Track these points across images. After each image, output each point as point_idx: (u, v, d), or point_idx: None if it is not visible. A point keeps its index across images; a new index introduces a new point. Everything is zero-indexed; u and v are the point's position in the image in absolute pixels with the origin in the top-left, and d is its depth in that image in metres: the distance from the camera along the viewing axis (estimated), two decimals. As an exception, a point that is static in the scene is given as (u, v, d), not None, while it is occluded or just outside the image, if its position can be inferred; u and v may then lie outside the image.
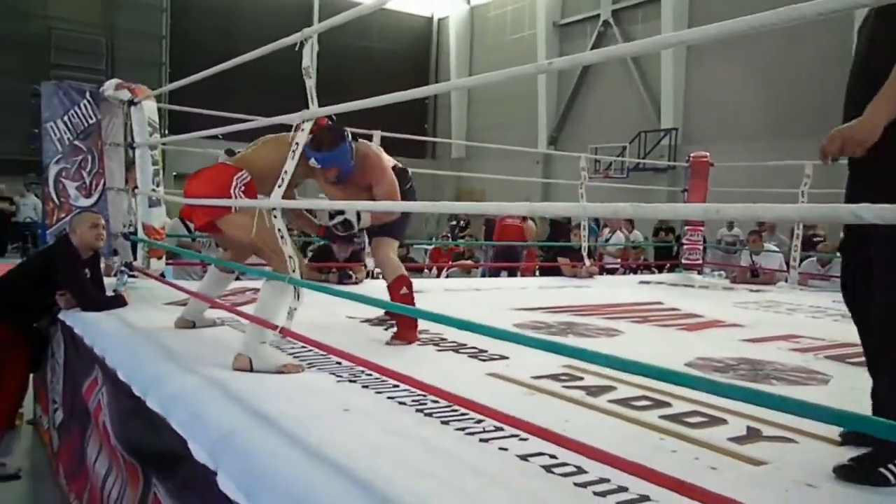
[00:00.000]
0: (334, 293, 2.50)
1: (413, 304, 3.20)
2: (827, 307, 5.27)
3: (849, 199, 1.79)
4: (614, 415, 2.16)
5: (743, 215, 1.20)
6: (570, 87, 20.29)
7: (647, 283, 7.11)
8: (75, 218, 4.00)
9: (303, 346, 2.75)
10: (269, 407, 2.03)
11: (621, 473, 1.34)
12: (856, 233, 1.87)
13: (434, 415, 2.05)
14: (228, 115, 4.83)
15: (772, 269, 7.24)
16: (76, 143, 4.50)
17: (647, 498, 1.48)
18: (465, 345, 3.12)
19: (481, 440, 1.84)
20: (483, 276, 8.42)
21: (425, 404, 2.14)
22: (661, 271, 8.94)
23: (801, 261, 6.98)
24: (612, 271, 9.30)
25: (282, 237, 2.60)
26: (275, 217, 2.61)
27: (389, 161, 3.42)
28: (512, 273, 8.21)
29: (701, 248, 7.74)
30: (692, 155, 7.78)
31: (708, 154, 7.67)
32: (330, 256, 5.56)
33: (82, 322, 3.40)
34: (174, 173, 13.19)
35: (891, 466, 1.65)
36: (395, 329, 3.25)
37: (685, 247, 7.65)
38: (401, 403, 2.17)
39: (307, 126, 2.65)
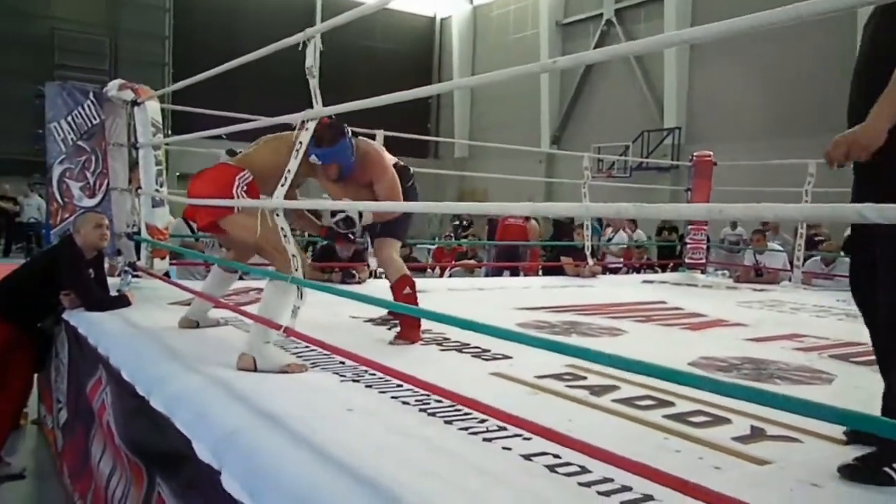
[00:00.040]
0: (338, 293, 2.50)
1: (416, 304, 3.21)
2: (831, 306, 5.26)
3: (854, 202, 1.78)
4: (618, 414, 2.15)
5: (746, 215, 1.20)
6: (572, 87, 20.28)
7: (651, 282, 7.10)
8: (79, 218, 4.00)
9: (306, 346, 2.76)
10: (272, 406, 2.03)
11: (625, 473, 1.34)
12: (860, 233, 1.86)
13: (437, 414, 2.05)
14: (231, 114, 4.83)
15: (775, 268, 7.23)
16: (80, 143, 4.51)
17: (650, 497, 1.47)
18: (468, 344, 3.12)
19: (485, 440, 1.84)
20: (486, 275, 8.42)
21: (429, 404, 2.14)
22: (664, 271, 8.93)
23: (805, 260, 6.97)
24: (615, 271, 9.29)
25: (285, 236, 2.60)
26: (277, 216, 2.62)
27: (391, 159, 3.42)
28: (514, 272, 8.20)
29: (704, 247, 7.74)
30: (695, 154, 7.77)
31: (711, 153, 7.66)
32: (333, 256, 5.56)
33: (86, 322, 3.41)
34: (177, 173, 13.22)
35: (895, 466, 1.64)
36: (398, 329, 3.25)
37: (688, 246, 7.65)
38: (404, 403, 2.17)
39: (311, 126, 2.65)
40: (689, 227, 7.70)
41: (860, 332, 3.95)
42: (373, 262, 5.36)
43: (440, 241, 13.21)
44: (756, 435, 1.99)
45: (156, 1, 20.98)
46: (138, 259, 4.61)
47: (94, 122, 4.53)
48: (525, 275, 8.10)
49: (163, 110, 4.93)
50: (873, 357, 3.11)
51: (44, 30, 19.47)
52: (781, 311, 4.95)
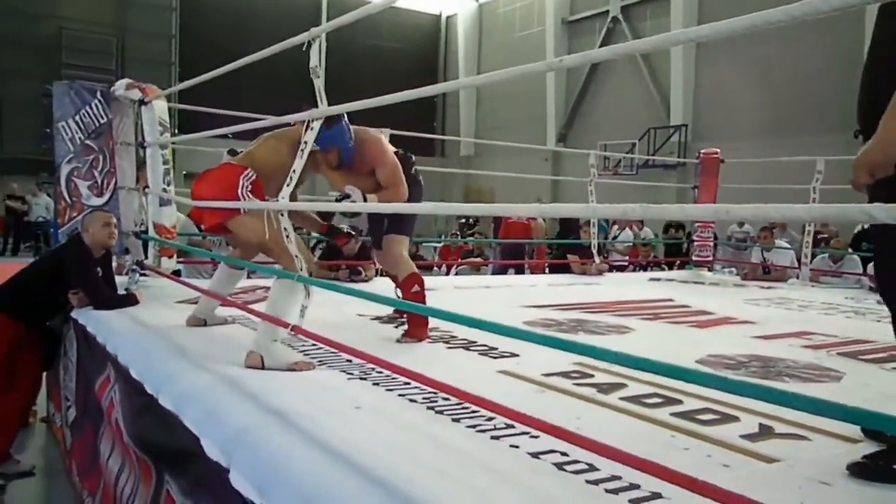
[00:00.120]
0: (345, 291, 2.50)
1: (424, 302, 3.21)
2: (839, 304, 5.24)
3: (871, 202, 1.76)
4: (626, 412, 2.15)
5: (754, 216, 1.19)
6: (578, 84, 20.24)
7: (658, 280, 7.08)
8: (87, 217, 4.02)
9: (313, 344, 2.76)
10: (280, 404, 2.04)
11: (633, 471, 1.33)
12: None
13: (445, 412, 2.05)
14: (237, 114, 4.85)
15: (783, 265, 7.20)
16: (88, 142, 4.53)
17: (659, 495, 1.47)
18: (475, 342, 3.12)
19: (492, 437, 1.84)
20: (493, 273, 8.42)
21: (436, 402, 2.14)
22: (671, 268, 8.90)
23: (813, 257, 6.94)
24: (621, 268, 9.27)
25: (287, 237, 2.61)
26: (281, 216, 2.62)
27: (391, 149, 3.41)
28: (520, 270, 8.19)
29: (711, 244, 7.71)
30: (702, 151, 7.74)
31: (718, 150, 7.63)
32: (340, 254, 5.57)
33: (95, 320, 3.42)
34: (184, 172, 13.26)
35: (905, 463, 1.64)
36: (405, 327, 3.25)
37: (696, 244, 7.63)
38: (412, 401, 2.17)
39: (316, 125, 2.65)
40: (697, 224, 7.68)
41: (868, 330, 3.96)
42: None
43: (447, 239, 13.21)
44: (764, 433, 1.98)
45: (163, 0, 21.04)
46: (146, 258, 4.64)
47: (102, 121, 4.55)
48: (531, 273, 8.10)
49: (169, 109, 4.95)
50: (882, 355, 3.10)
51: (51, 29, 19.55)
52: (789, 309, 4.93)
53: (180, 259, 5.28)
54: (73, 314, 3.69)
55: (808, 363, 3.01)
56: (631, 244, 10.88)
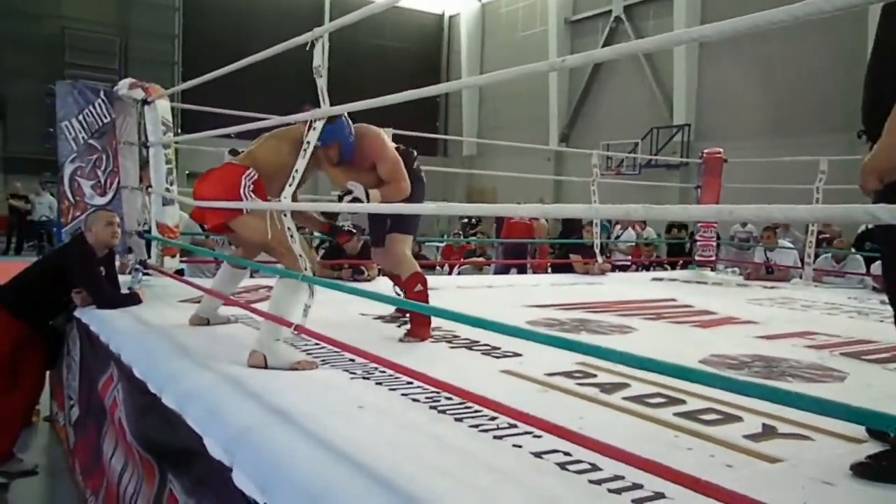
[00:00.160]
0: (347, 290, 2.50)
1: (427, 302, 3.21)
2: (842, 304, 5.23)
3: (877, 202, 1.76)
4: (629, 412, 2.15)
5: (757, 216, 1.19)
6: (581, 84, 20.24)
7: (660, 279, 7.08)
8: (90, 216, 4.03)
9: (316, 343, 2.77)
10: (283, 403, 2.04)
11: (636, 471, 1.33)
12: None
13: (447, 412, 2.05)
14: (240, 113, 4.85)
15: (786, 265, 7.19)
16: (91, 141, 4.54)
17: (662, 495, 1.47)
18: (477, 342, 3.12)
19: (495, 437, 1.84)
20: (495, 273, 8.42)
21: (439, 401, 2.14)
22: (674, 268, 8.90)
23: (816, 257, 6.93)
24: (623, 268, 9.27)
25: (291, 236, 2.61)
26: (284, 216, 2.62)
27: (391, 144, 3.39)
28: (522, 270, 8.19)
29: (714, 244, 7.70)
30: (706, 151, 7.73)
31: (722, 150, 7.62)
32: (342, 253, 5.57)
33: (98, 319, 3.43)
34: (186, 172, 13.29)
35: (909, 464, 1.63)
36: (408, 326, 3.25)
37: (698, 243, 7.62)
38: (414, 400, 2.17)
39: (319, 125, 2.65)
40: (699, 224, 7.67)
41: (872, 330, 3.95)
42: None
43: (449, 238, 13.22)
44: (767, 433, 1.98)
45: (166, 0, 21.07)
46: (149, 257, 4.64)
47: (105, 120, 4.56)
48: (534, 272, 8.10)
49: (172, 109, 4.95)
50: (885, 355, 3.10)
51: (54, 29, 19.60)
52: (792, 309, 4.93)
53: (184, 258, 5.29)
54: (77, 313, 3.70)
55: (812, 363, 3.01)
56: (633, 244, 10.87)
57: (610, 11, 19.38)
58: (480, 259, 9.35)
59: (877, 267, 6.33)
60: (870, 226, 6.96)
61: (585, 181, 6.74)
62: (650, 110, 17.97)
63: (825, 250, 7.29)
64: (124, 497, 2.72)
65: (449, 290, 5.07)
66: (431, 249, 11.92)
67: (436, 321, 3.24)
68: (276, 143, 3.06)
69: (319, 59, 2.50)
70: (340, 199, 3.11)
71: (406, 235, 3.45)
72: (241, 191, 2.83)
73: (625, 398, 2.29)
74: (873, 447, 1.78)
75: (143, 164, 4.75)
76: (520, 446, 1.77)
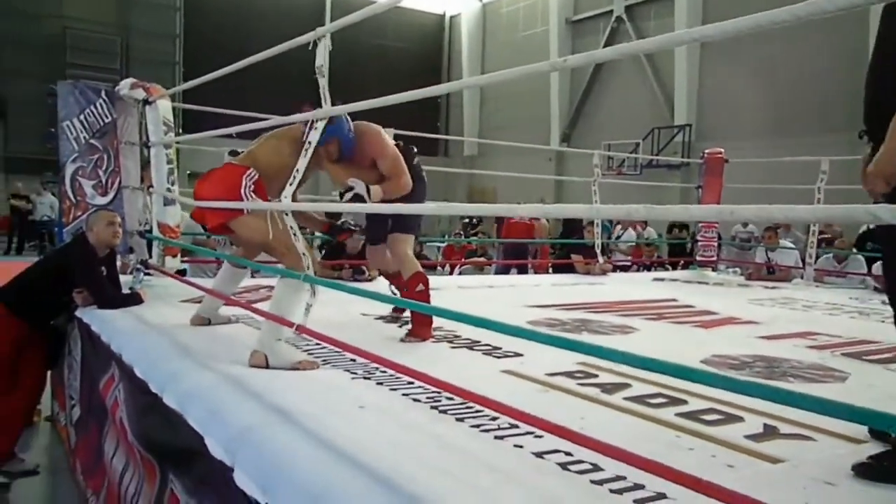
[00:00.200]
0: (348, 290, 2.51)
1: (429, 302, 3.20)
2: (843, 304, 5.23)
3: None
4: (630, 412, 2.15)
5: (758, 216, 1.19)
6: (582, 84, 20.23)
7: (661, 280, 7.07)
8: (92, 216, 4.03)
9: (317, 343, 2.77)
10: (285, 403, 2.04)
11: (638, 471, 1.33)
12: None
13: (449, 412, 2.05)
14: (242, 113, 4.85)
15: (787, 265, 7.18)
16: (92, 141, 4.54)
17: (663, 496, 1.47)
18: (478, 342, 3.12)
19: (496, 437, 1.84)
20: (496, 273, 8.43)
21: (440, 401, 2.14)
22: (675, 268, 8.90)
23: (817, 257, 6.93)
24: (625, 268, 9.26)
25: (294, 234, 2.61)
26: (286, 215, 2.62)
27: (391, 140, 3.39)
28: (522, 270, 8.19)
29: (715, 244, 7.70)
30: (707, 151, 7.73)
31: (723, 150, 7.62)
32: (343, 253, 5.57)
33: (99, 319, 3.43)
34: (188, 172, 13.30)
35: (910, 464, 1.63)
36: (409, 326, 3.25)
37: (700, 244, 7.61)
38: (415, 400, 2.17)
39: (320, 125, 2.65)
40: (700, 224, 7.67)
41: (873, 330, 3.94)
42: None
43: (450, 238, 13.22)
44: (769, 433, 1.98)
45: (167, 0, 21.08)
46: (150, 257, 4.64)
47: (107, 120, 4.56)
48: (535, 272, 8.10)
49: (174, 109, 4.95)
50: (887, 355, 3.09)
51: (56, 29, 19.61)
52: (794, 309, 4.92)
53: (186, 258, 5.29)
54: (78, 313, 3.70)
55: (813, 363, 3.01)
56: (634, 244, 10.87)
57: (611, 11, 19.37)
58: (481, 259, 9.35)
59: (878, 267, 6.33)
60: (871, 226, 6.96)
61: (587, 181, 6.74)
62: (651, 110, 17.96)
63: (826, 250, 7.29)
64: (125, 497, 2.72)
65: (450, 290, 5.07)
66: (432, 249, 11.93)
67: (437, 321, 3.24)
68: (277, 142, 3.06)
69: (322, 58, 2.50)
70: (341, 196, 3.10)
71: (408, 235, 3.44)
72: (242, 191, 2.83)
73: (626, 398, 2.29)
74: (875, 447, 1.78)
75: (145, 164, 4.75)
76: (521, 446, 1.77)
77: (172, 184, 4.66)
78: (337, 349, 2.48)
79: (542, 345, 1.54)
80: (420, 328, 3.17)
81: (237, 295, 3.67)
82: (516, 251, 8.61)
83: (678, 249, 10.34)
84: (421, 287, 3.26)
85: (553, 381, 2.47)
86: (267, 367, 2.50)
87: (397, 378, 2.36)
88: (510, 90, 21.08)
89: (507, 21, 23.48)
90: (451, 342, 3.16)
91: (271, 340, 2.56)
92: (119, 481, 2.83)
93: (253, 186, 2.87)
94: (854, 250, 7.16)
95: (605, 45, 16.64)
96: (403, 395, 2.23)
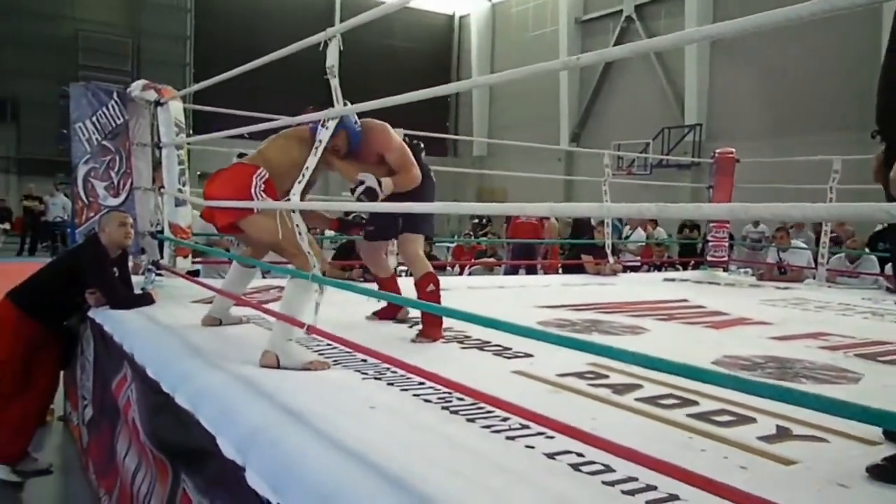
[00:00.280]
0: (359, 291, 2.51)
1: (439, 302, 3.20)
2: (856, 304, 5.19)
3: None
4: (641, 413, 2.14)
5: (773, 215, 1.18)
6: (592, 84, 20.19)
7: (672, 280, 7.04)
8: (104, 217, 4.06)
9: (328, 344, 2.77)
10: (296, 403, 2.04)
11: (650, 472, 1.33)
12: None
13: (460, 412, 2.05)
14: (252, 114, 4.87)
15: (799, 265, 7.14)
16: (104, 143, 4.57)
17: (676, 497, 1.46)
18: (489, 342, 3.11)
19: (507, 438, 1.84)
20: (505, 273, 8.41)
21: (451, 402, 2.14)
22: (685, 269, 8.86)
23: (830, 257, 6.88)
24: (635, 269, 9.23)
25: (300, 234, 2.61)
26: (294, 213, 2.63)
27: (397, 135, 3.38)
28: (532, 270, 8.18)
29: (727, 245, 7.66)
30: (718, 151, 7.69)
31: (734, 150, 7.58)
32: (353, 254, 5.57)
33: (111, 320, 3.45)
34: (198, 172, 13.36)
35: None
36: (419, 326, 3.25)
37: (710, 244, 7.57)
38: (426, 401, 2.17)
39: (331, 125, 2.66)
40: (711, 224, 7.63)
41: (887, 331, 3.91)
42: (392, 259, 5.35)
43: (460, 239, 13.22)
44: (782, 434, 1.96)
45: (177, 2, 21.23)
46: (162, 258, 4.67)
47: (119, 122, 4.59)
48: (545, 273, 8.08)
49: (185, 110, 4.98)
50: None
51: (68, 31, 19.77)
52: (806, 310, 4.89)
53: (198, 259, 5.31)
54: (90, 313, 3.72)
55: (825, 364, 2.98)
56: (643, 244, 10.83)
57: (621, 11, 19.34)
58: (491, 259, 9.34)
59: (891, 268, 6.29)
60: (884, 225, 6.91)
61: (596, 181, 6.72)
62: (661, 110, 17.91)
63: (838, 250, 7.24)
64: (138, 496, 2.74)
65: (460, 291, 5.07)
66: (442, 250, 11.93)
67: (447, 321, 3.24)
68: (286, 142, 3.07)
69: (332, 59, 2.50)
70: (352, 191, 3.09)
71: (418, 235, 3.44)
72: (253, 190, 2.84)
73: (637, 399, 2.28)
74: (889, 449, 1.77)
75: (156, 165, 4.77)
76: (532, 447, 1.77)
77: (183, 184, 4.68)
78: (348, 349, 2.48)
79: (552, 345, 1.54)
80: (430, 329, 3.17)
81: (248, 295, 3.68)
82: (523, 251, 8.59)
83: (689, 249, 10.30)
84: (432, 287, 3.26)
85: (564, 382, 2.47)
86: (278, 367, 2.51)
87: (408, 378, 2.36)
88: (519, 90, 21.08)
89: (516, 21, 23.47)
90: (461, 343, 3.16)
91: (282, 341, 2.56)
92: (131, 481, 2.85)
93: (263, 186, 2.88)
94: (866, 250, 7.10)
95: (614, 45, 16.58)
96: (414, 395, 2.23)
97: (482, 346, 3.08)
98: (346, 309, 3.46)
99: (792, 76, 14.65)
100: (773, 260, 7.37)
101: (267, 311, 2.82)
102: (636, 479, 1.55)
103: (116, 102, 4.57)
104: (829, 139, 11.19)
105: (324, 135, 2.65)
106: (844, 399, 1.03)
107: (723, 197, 7.24)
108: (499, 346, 3.04)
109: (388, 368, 2.47)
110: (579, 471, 1.62)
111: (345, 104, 2.56)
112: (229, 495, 1.89)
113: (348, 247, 5.65)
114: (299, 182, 2.66)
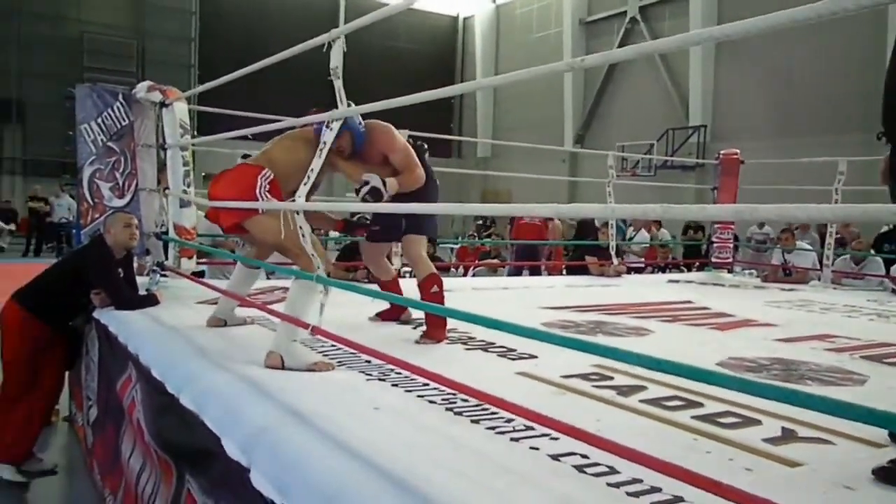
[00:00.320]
0: (363, 292, 2.51)
1: (443, 303, 3.20)
2: (862, 306, 5.17)
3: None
4: (646, 415, 2.14)
5: (779, 216, 1.17)
6: (596, 85, 20.18)
7: (676, 281, 7.03)
8: (109, 218, 4.06)
9: (332, 345, 2.77)
10: (300, 404, 2.04)
11: (655, 474, 1.32)
12: None
13: (464, 413, 2.05)
14: (256, 115, 4.88)
15: (804, 267, 7.12)
16: (110, 144, 4.58)
17: (681, 499, 1.46)
18: (493, 343, 3.11)
19: (512, 439, 1.84)
20: (509, 275, 8.41)
21: (455, 403, 2.14)
22: (690, 270, 8.84)
23: (835, 259, 6.86)
24: (639, 270, 9.22)
25: (303, 235, 2.61)
26: (297, 214, 2.63)
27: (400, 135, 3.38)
28: (535, 271, 8.17)
29: (731, 246, 7.64)
30: (722, 152, 7.68)
31: (738, 151, 7.56)
32: (357, 255, 5.57)
33: (116, 321, 3.45)
34: (203, 173, 13.37)
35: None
36: (423, 328, 3.25)
37: (715, 245, 7.56)
38: (430, 402, 2.17)
39: (335, 126, 2.66)
40: (716, 225, 7.62)
41: (892, 333, 3.90)
42: (396, 261, 5.35)
43: (464, 240, 13.21)
44: (787, 436, 1.96)
45: (182, 4, 21.28)
46: (166, 258, 4.67)
47: (124, 123, 4.60)
48: (549, 274, 8.07)
49: (189, 111, 4.99)
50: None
51: (74, 33, 19.84)
52: (811, 311, 4.88)
53: (203, 260, 5.32)
54: (95, 314, 3.73)
55: (831, 366, 2.98)
56: (647, 246, 10.81)
57: (625, 12, 19.32)
58: (496, 261, 9.34)
59: (896, 269, 6.28)
60: (890, 226, 6.89)
61: (600, 183, 6.71)
62: (665, 111, 17.88)
63: (842, 251, 7.21)
64: (142, 497, 2.74)
65: (464, 292, 5.07)
66: (446, 251, 11.93)
67: (451, 323, 3.24)
68: (291, 143, 3.07)
69: (336, 60, 2.50)
70: (357, 192, 3.09)
71: (421, 236, 3.44)
72: (257, 191, 2.85)
73: (642, 401, 2.27)
74: (895, 451, 1.76)
75: (161, 167, 4.78)
76: (537, 448, 1.76)
77: (188, 186, 4.69)
78: (352, 350, 2.48)
79: (556, 346, 1.53)
80: (434, 330, 3.17)
81: (252, 296, 3.68)
82: (528, 252, 8.58)
83: (693, 251, 10.27)
84: (435, 288, 3.26)
85: (568, 384, 2.46)
86: (282, 368, 2.51)
87: (412, 380, 2.36)
88: (523, 91, 21.08)
89: (520, 22, 23.47)
90: (465, 344, 3.16)
91: (287, 342, 2.57)
92: (136, 481, 2.85)
93: (268, 186, 2.88)
94: (872, 252, 7.08)
95: (619, 46, 16.57)
96: (418, 396, 2.23)
97: (486, 347, 3.08)
98: (350, 310, 3.46)
99: (797, 77, 14.61)
100: (777, 261, 7.35)
101: (271, 312, 2.83)
102: (641, 481, 1.54)
103: (122, 104, 4.58)
104: (834, 141, 11.16)
105: (328, 136, 2.66)
106: (850, 401, 1.02)
107: (727, 198, 7.22)
108: (503, 347, 3.04)
109: (392, 369, 2.47)
110: (584, 472, 1.62)
111: (349, 105, 2.56)
112: (234, 496, 1.89)
113: (352, 248, 5.65)
114: (305, 184, 2.66)
